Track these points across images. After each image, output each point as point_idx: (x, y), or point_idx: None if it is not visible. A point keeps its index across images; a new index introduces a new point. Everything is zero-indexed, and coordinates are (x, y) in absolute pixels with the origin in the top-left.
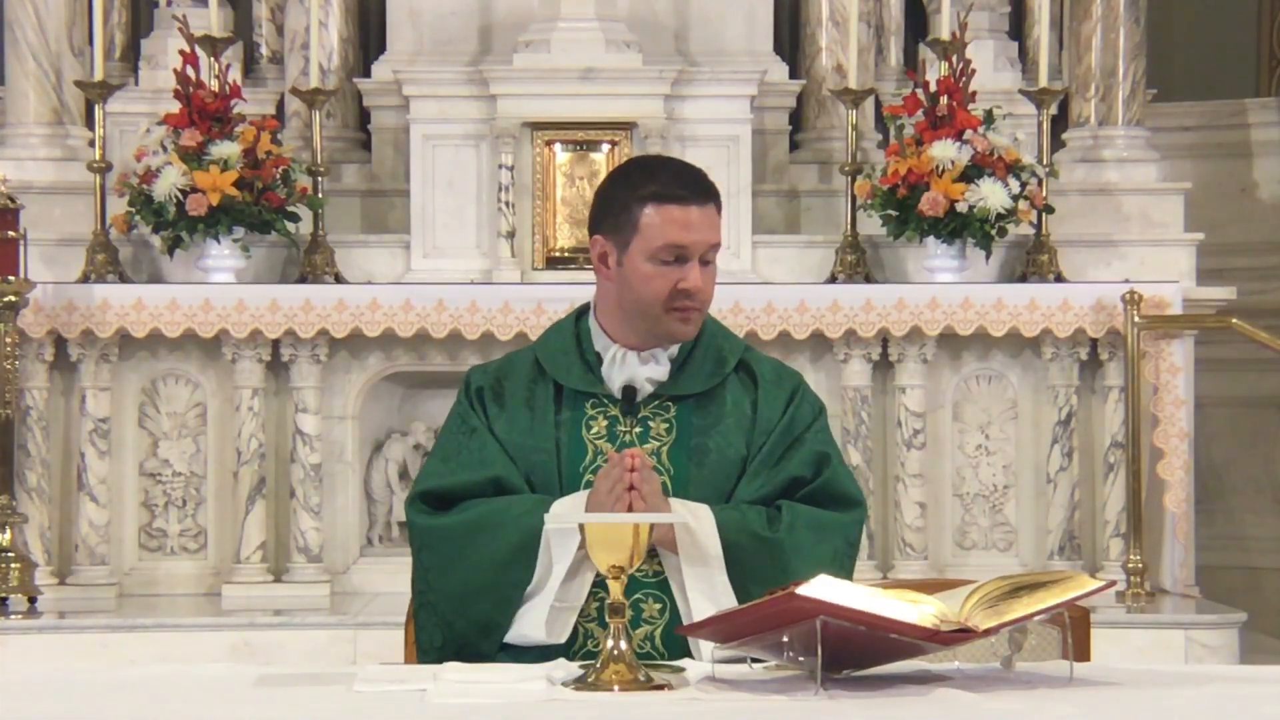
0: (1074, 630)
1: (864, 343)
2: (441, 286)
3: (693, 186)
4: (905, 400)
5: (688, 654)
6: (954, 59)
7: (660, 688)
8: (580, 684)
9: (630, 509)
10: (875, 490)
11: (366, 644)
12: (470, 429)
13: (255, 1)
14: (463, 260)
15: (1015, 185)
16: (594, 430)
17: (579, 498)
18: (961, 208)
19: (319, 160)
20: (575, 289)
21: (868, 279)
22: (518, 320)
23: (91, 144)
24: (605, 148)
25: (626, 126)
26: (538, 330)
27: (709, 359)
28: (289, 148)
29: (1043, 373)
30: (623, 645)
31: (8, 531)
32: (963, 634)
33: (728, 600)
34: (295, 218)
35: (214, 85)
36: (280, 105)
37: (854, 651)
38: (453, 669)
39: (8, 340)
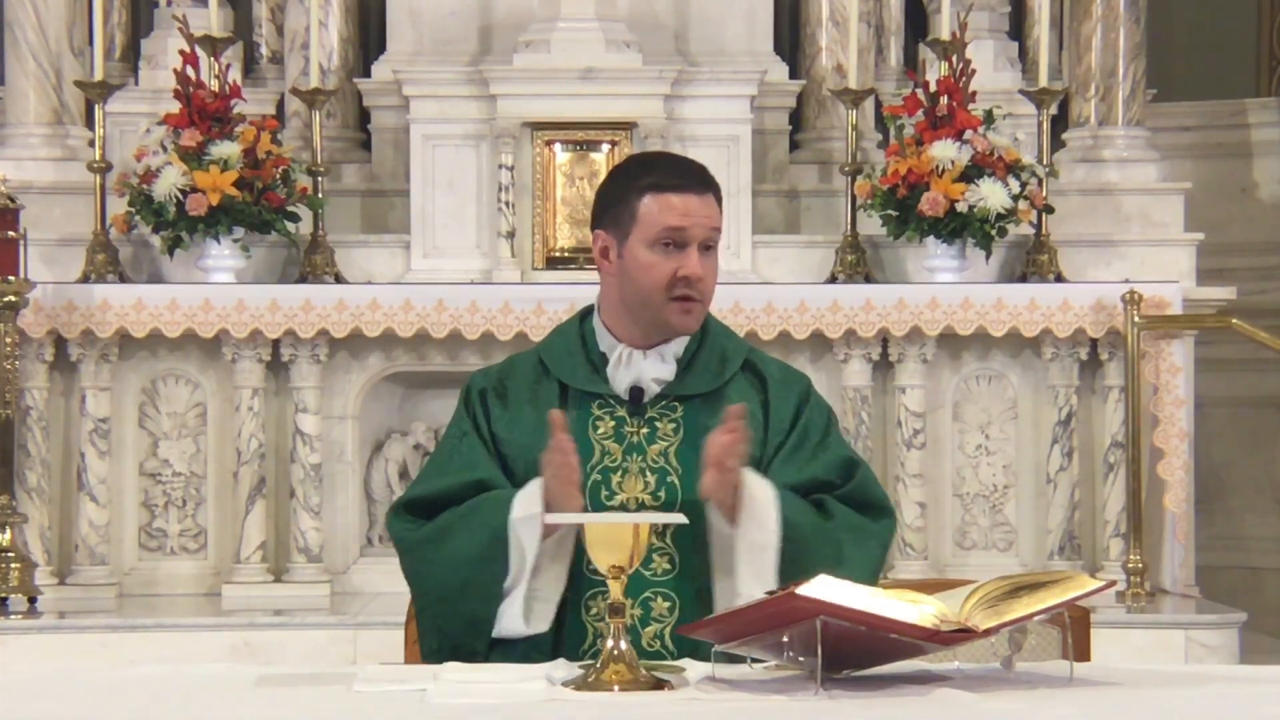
0: (1074, 630)
1: (864, 343)
2: (441, 286)
3: (690, 175)
4: (905, 400)
5: (697, 652)
6: (954, 59)
7: (660, 687)
8: (580, 684)
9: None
10: None
11: (366, 644)
12: (461, 434)
13: (255, 1)
14: (463, 260)
15: (1015, 185)
16: (600, 430)
17: (536, 485)
18: (961, 208)
19: (319, 160)
20: (575, 289)
21: (868, 279)
22: (518, 320)
23: (91, 144)
24: (605, 148)
25: (626, 126)
26: (538, 330)
27: (715, 359)
28: (289, 148)
29: (1043, 373)
30: (623, 645)
31: (8, 531)
32: (963, 634)
33: (770, 580)
34: (295, 218)
35: (214, 85)
36: (280, 105)
37: (854, 651)
38: (453, 669)
39: (8, 340)
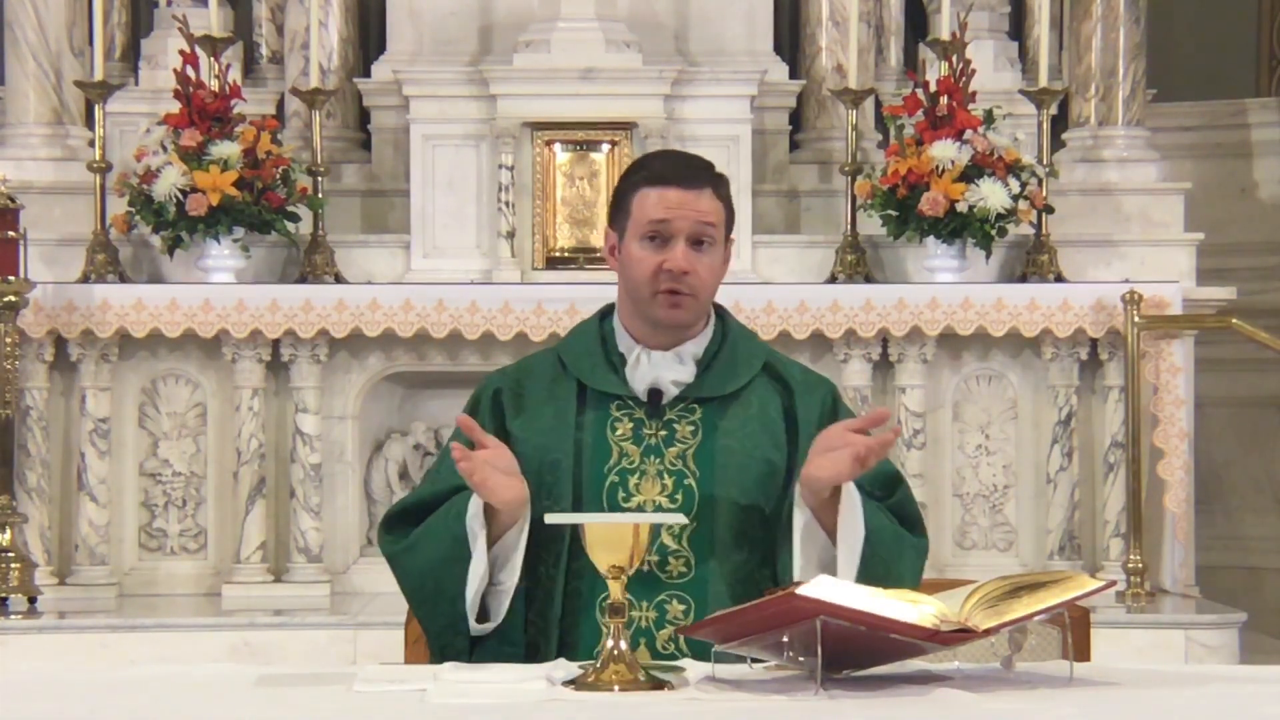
0: (1074, 630)
1: (864, 343)
2: (441, 286)
3: (682, 169)
4: (905, 400)
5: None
6: (954, 59)
7: (660, 687)
8: (580, 684)
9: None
10: None
11: (366, 644)
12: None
13: (255, 1)
14: (463, 260)
15: (1015, 185)
16: (619, 432)
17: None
18: (961, 208)
19: (319, 160)
20: (575, 289)
21: (868, 279)
22: (518, 320)
23: (91, 144)
24: (605, 148)
25: (626, 126)
26: (538, 330)
27: (734, 361)
28: (289, 148)
29: (1043, 373)
30: (623, 645)
31: (8, 531)
32: (963, 634)
33: (850, 577)
34: (295, 218)
35: (214, 85)
36: (280, 105)
37: (854, 651)
38: (453, 669)
39: (8, 340)
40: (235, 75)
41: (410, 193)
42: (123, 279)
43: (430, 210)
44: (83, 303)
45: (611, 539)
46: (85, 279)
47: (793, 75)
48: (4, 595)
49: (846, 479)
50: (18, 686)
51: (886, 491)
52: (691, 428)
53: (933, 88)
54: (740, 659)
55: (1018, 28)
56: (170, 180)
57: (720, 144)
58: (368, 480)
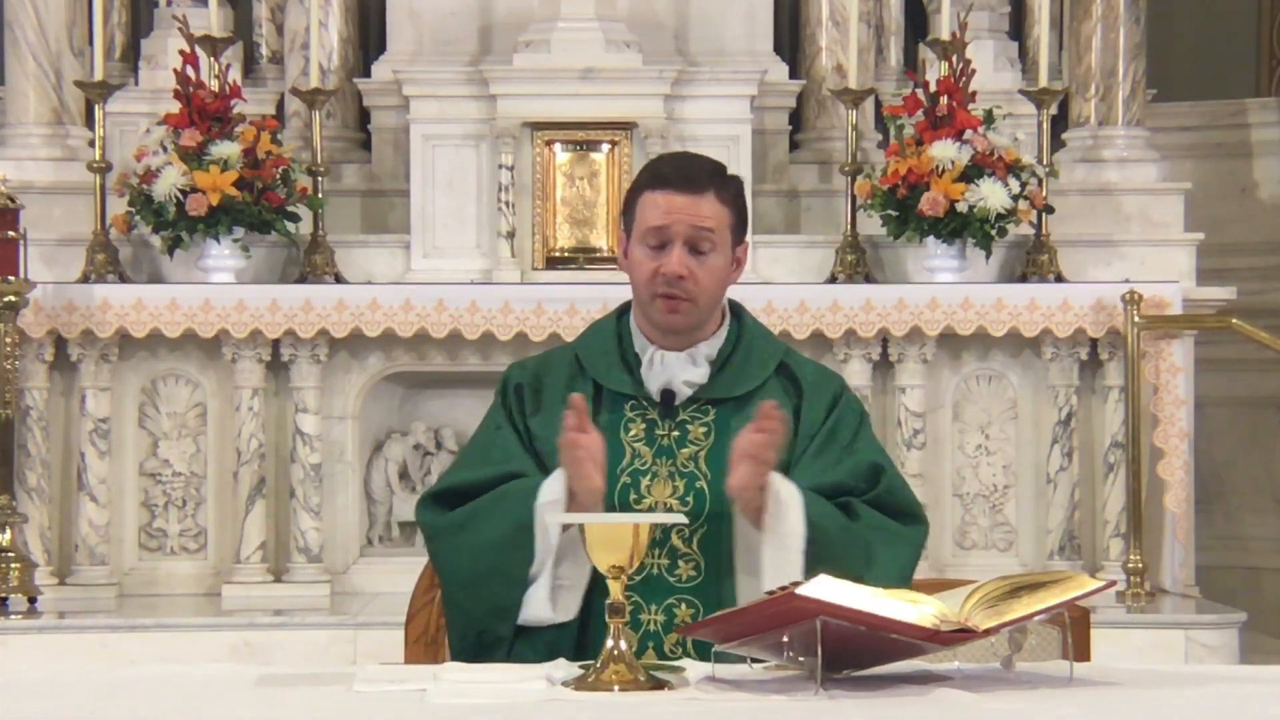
0: (1074, 630)
1: (864, 343)
2: (441, 286)
3: (682, 173)
4: (905, 400)
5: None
6: (954, 59)
7: (660, 687)
8: (580, 684)
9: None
10: None
11: (366, 644)
12: (495, 426)
13: (255, 1)
14: (463, 260)
15: (1015, 185)
16: (632, 433)
17: (559, 472)
18: (961, 208)
19: (319, 160)
20: (575, 289)
21: (868, 279)
22: (518, 320)
23: (91, 144)
24: (605, 148)
25: (626, 126)
26: (538, 330)
27: (749, 362)
28: (289, 148)
29: (1043, 373)
30: (623, 645)
31: (8, 531)
32: (963, 634)
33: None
34: (295, 218)
35: (214, 85)
36: (280, 105)
37: (854, 651)
38: (453, 669)
39: (8, 340)
40: (235, 75)
41: (410, 193)
42: (123, 279)
43: (430, 210)
44: (83, 303)
45: (611, 539)
46: (85, 279)
47: (793, 75)
48: (4, 595)
49: (754, 480)
50: (18, 686)
51: (869, 484)
52: (704, 429)
53: (933, 88)
54: (740, 659)
55: (1018, 28)
56: (170, 180)
57: (720, 144)
58: (368, 480)
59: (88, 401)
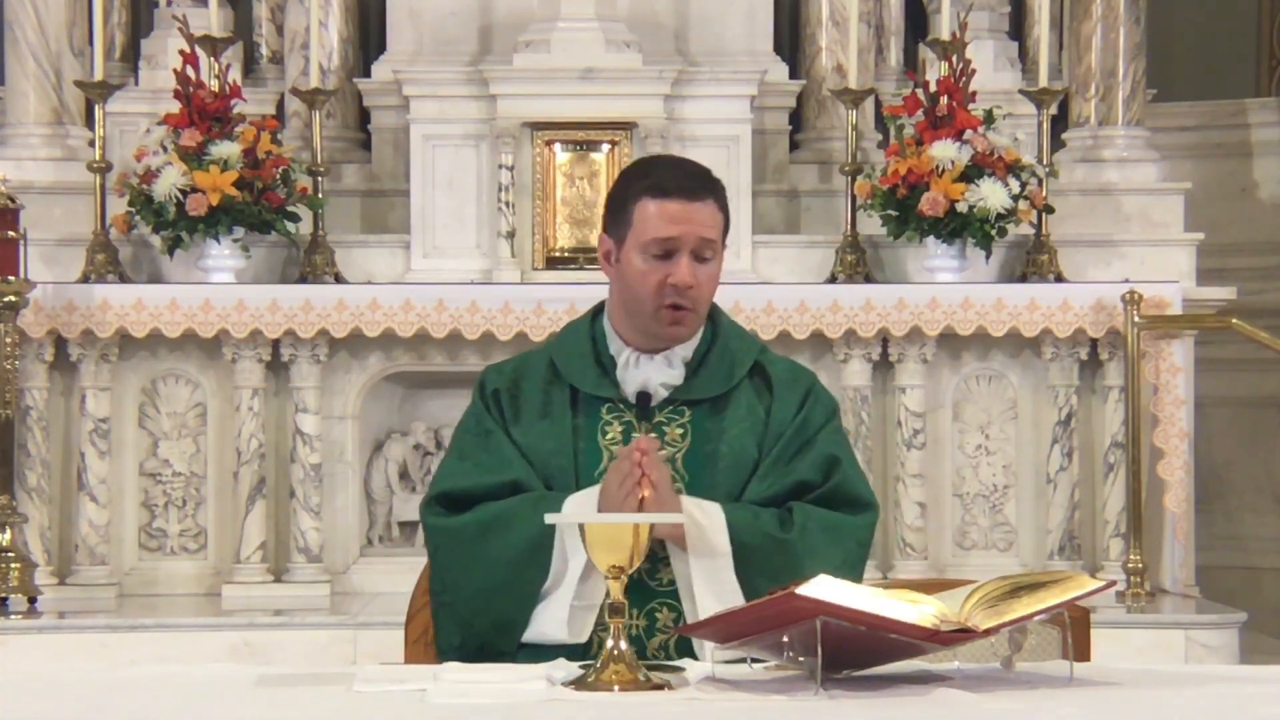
0: (1074, 630)
1: (864, 343)
2: (441, 286)
3: (686, 181)
4: (905, 400)
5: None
6: (954, 59)
7: (660, 688)
8: (580, 684)
9: (641, 502)
10: (875, 490)
11: (366, 644)
12: (485, 431)
13: (255, 1)
14: (463, 260)
15: (1015, 185)
16: (609, 435)
17: (591, 493)
18: (961, 208)
19: (319, 160)
20: (575, 289)
21: (868, 279)
22: (518, 320)
23: (91, 144)
24: (605, 148)
25: (626, 126)
26: (538, 330)
27: (723, 362)
28: (289, 148)
29: (1043, 373)
30: (623, 645)
31: (8, 531)
32: (963, 634)
33: (735, 599)
34: (295, 218)
35: (214, 85)
36: (280, 105)
37: (854, 651)
38: (453, 669)
39: (8, 340)
40: (235, 75)
41: (410, 193)
42: (123, 279)
43: (430, 210)
44: (83, 303)
45: (612, 539)
46: (85, 279)
47: (793, 75)
48: (4, 595)
49: (647, 507)
50: (18, 686)
51: (824, 476)
52: (681, 430)
53: (933, 88)
54: (740, 659)
55: (1018, 28)
56: (170, 180)
57: (720, 144)
58: (368, 480)
59: (88, 401)
